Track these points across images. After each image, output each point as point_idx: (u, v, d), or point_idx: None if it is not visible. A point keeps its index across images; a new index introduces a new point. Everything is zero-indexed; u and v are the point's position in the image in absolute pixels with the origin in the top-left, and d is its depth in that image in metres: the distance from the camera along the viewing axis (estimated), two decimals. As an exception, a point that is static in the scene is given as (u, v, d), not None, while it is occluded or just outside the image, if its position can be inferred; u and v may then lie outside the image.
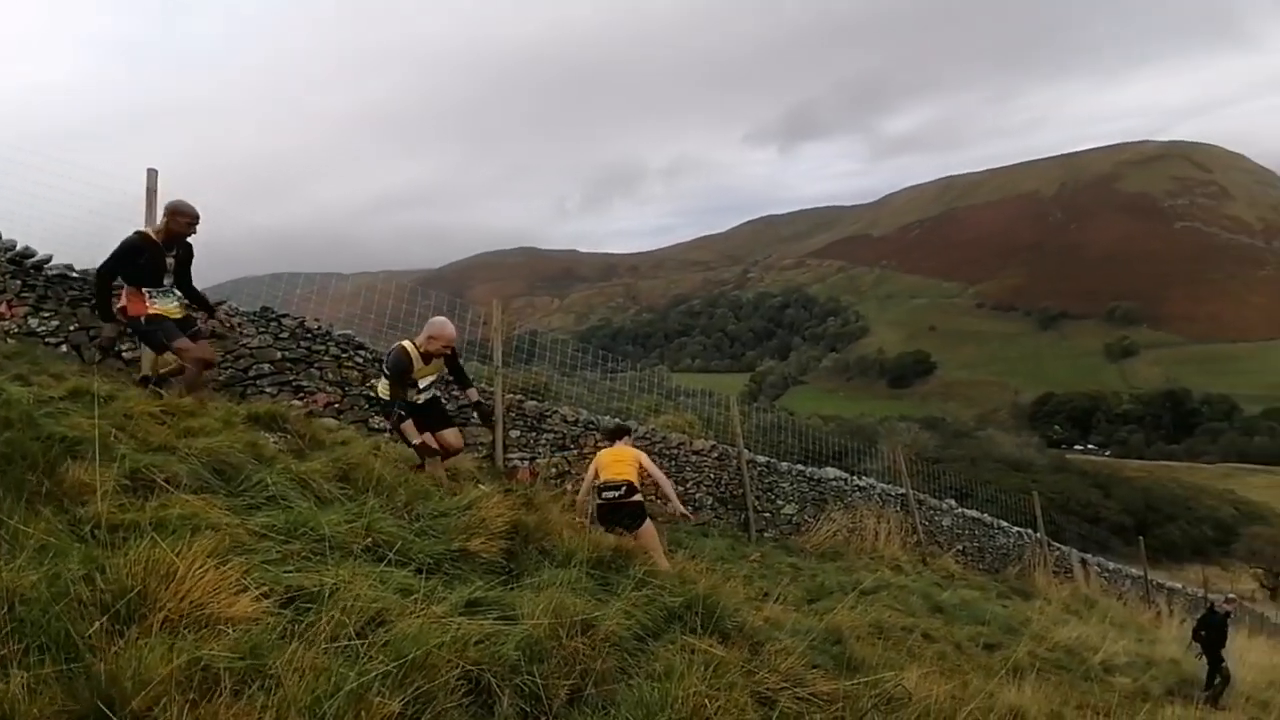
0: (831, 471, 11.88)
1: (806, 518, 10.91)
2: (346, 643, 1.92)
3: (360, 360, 7.33)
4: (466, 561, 2.85)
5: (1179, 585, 20.04)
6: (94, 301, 5.22)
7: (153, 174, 5.91)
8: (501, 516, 3.42)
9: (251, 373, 6.74)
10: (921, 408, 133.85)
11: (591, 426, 9.15)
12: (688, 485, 9.58)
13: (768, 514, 10.56)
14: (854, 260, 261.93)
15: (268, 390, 6.59)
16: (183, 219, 4.73)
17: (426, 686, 1.59)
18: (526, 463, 8.32)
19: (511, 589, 2.76)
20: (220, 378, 6.41)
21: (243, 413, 3.98)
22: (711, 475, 9.86)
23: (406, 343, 4.95)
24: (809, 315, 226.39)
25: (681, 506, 6.08)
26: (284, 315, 7.06)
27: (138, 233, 4.76)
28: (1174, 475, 67.03)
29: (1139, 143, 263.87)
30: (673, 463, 9.45)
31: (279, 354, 6.89)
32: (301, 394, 6.88)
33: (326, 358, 7.19)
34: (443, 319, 5.03)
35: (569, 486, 8.60)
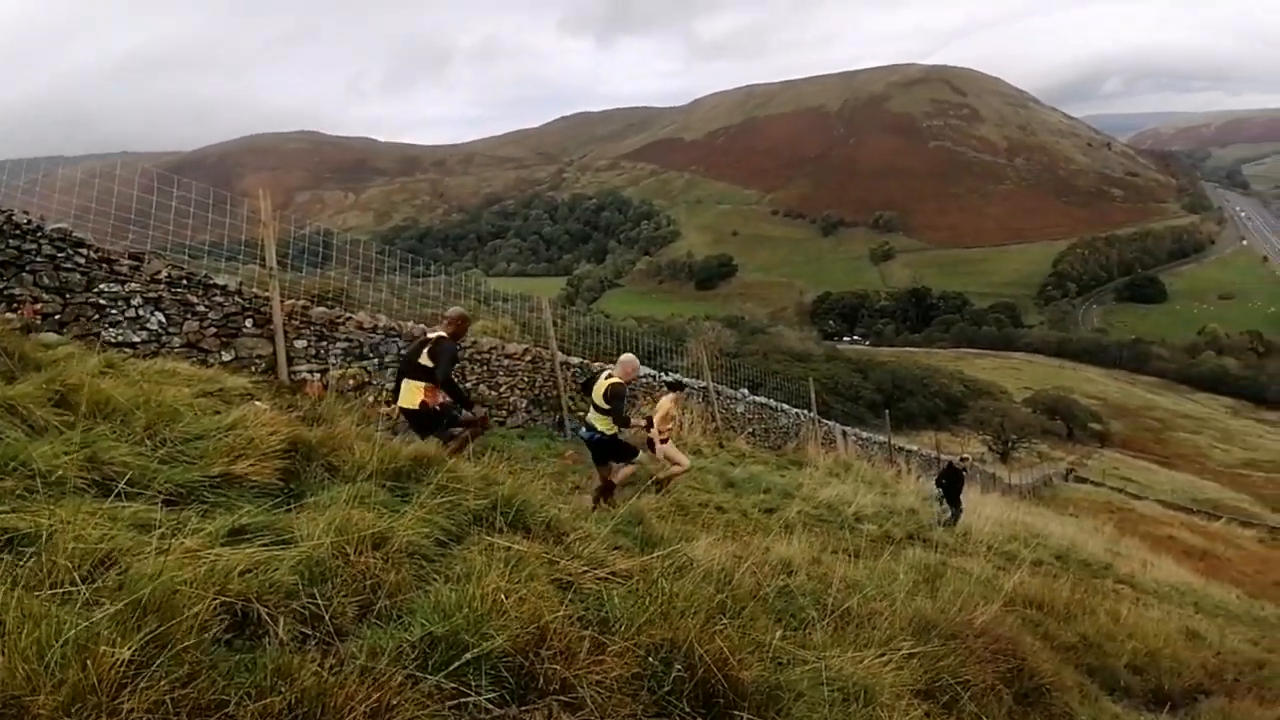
0: (642, 370, 12.48)
1: (618, 413, 11.44)
2: (70, 588, 1.62)
3: (82, 261, 5.96)
4: (231, 488, 2.52)
5: (915, 448, 24.62)
6: None
7: None
8: (276, 434, 3.07)
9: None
10: (724, 307, 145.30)
11: (393, 333, 8.54)
12: (501, 390, 9.47)
13: (582, 412, 10.90)
14: (666, 164, 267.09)
15: (-51, 300, 5.14)
16: None
17: (162, 629, 1.39)
18: (317, 375, 7.59)
19: (289, 512, 2.52)
20: None
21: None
22: (525, 379, 9.84)
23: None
24: (624, 218, 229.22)
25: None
26: (-36, 204, 5.44)
27: None
28: (915, 359, 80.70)
29: (906, 65, 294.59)
30: (485, 368, 9.24)
31: (-35, 254, 5.35)
32: (14, 304, 5.49)
33: (39, 258, 5.74)
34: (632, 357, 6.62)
35: (370, 398, 8.06)
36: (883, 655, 2.96)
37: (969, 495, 12.88)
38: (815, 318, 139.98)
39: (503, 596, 1.90)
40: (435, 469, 3.20)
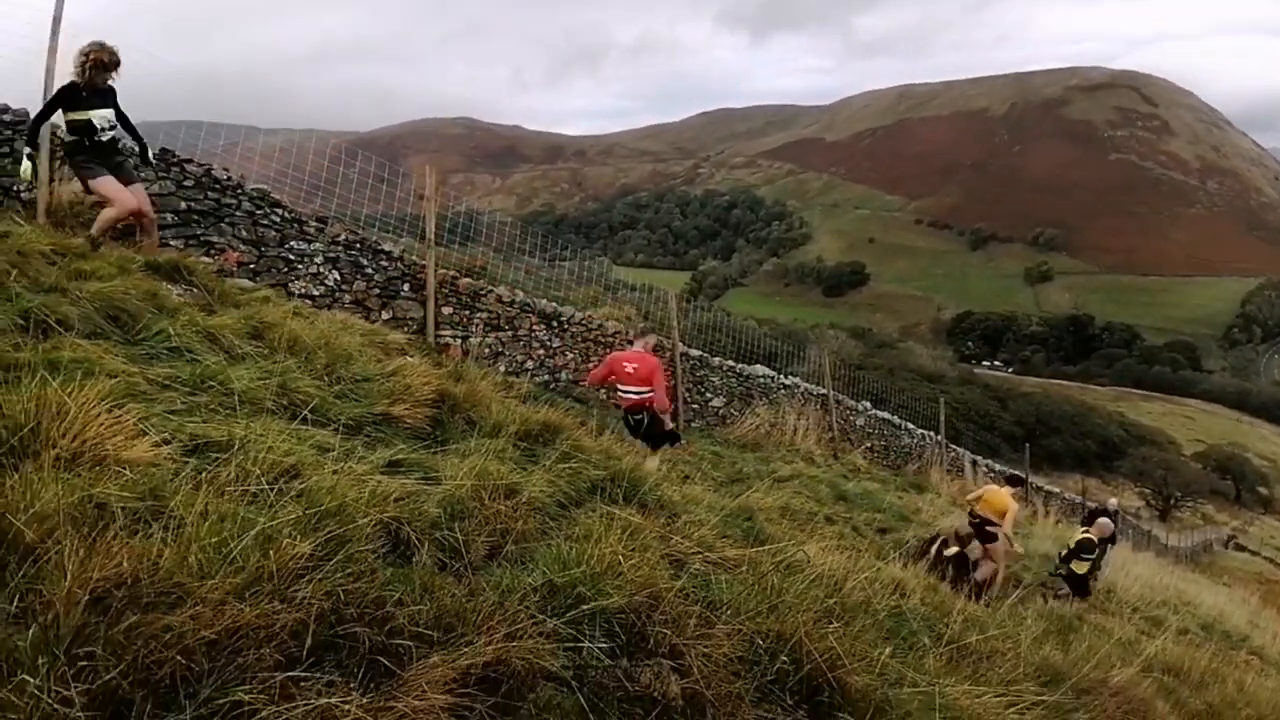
0: (760, 369, 12.30)
1: (733, 411, 11.38)
2: (255, 490, 1.88)
3: (277, 219, 6.82)
4: (390, 426, 2.81)
5: (1057, 490, 22.41)
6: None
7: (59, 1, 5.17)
8: (428, 385, 3.37)
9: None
10: (852, 317, 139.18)
11: (527, 309, 9.02)
12: (621, 373, 9.73)
13: (696, 405, 10.95)
14: (804, 164, 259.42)
15: (172, 244, 6.07)
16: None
17: (339, 531, 1.58)
18: (458, 341, 8.19)
19: (435, 454, 2.76)
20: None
21: (140, 260, 3.65)
22: (645, 365, 10.03)
23: None
24: (755, 218, 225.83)
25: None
26: (187, 160, 6.40)
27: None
28: (1066, 394, 73.24)
29: (1091, 68, 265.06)
30: (609, 351, 9.52)
31: (183, 204, 6.30)
32: (212, 250, 6.39)
33: (239, 213, 6.64)
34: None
35: (502, 367, 8.57)
36: (1003, 695, 2.77)
37: (1117, 549, 11.46)
38: (952, 337, 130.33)
39: (620, 559, 1.98)
40: (562, 437, 3.37)
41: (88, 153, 4.79)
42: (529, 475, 2.75)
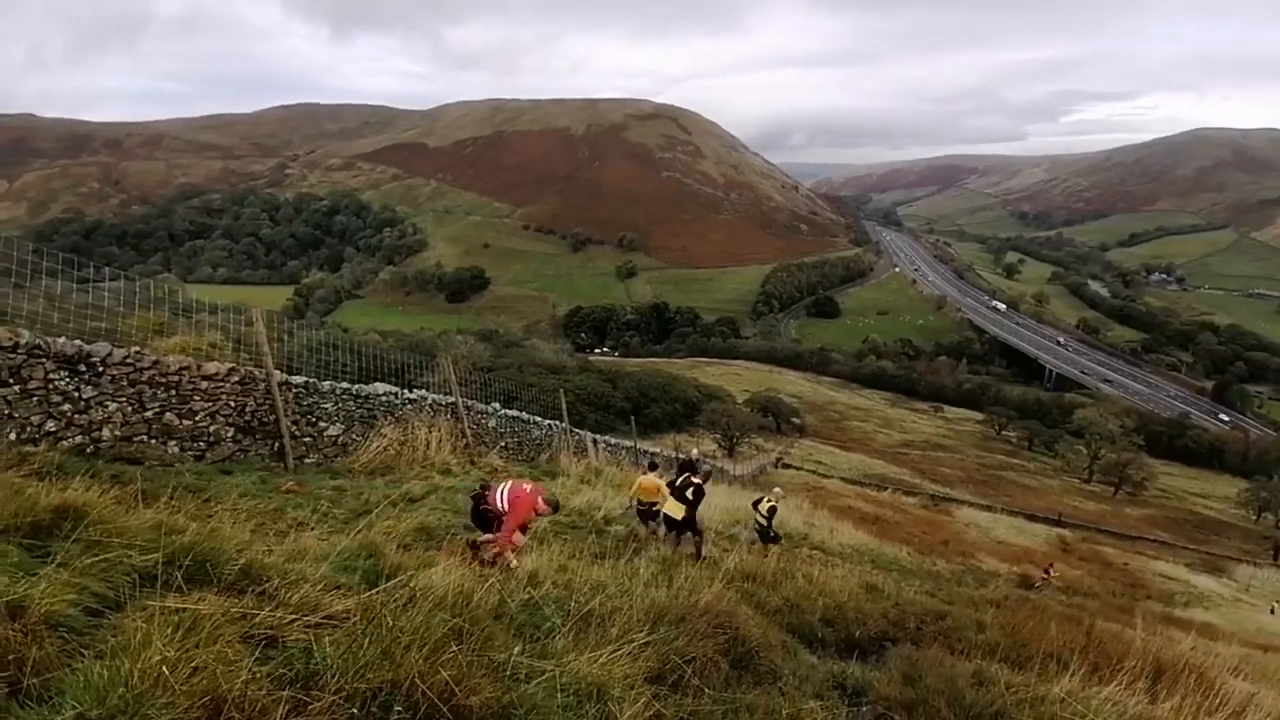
0: (381, 387, 11.54)
1: (354, 437, 10.42)
2: None
3: None
4: None
5: (659, 450, 26.68)
6: None
7: None
8: None
9: None
10: (478, 321, 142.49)
11: (39, 353, 6.66)
12: (198, 418, 7.97)
13: (309, 438, 9.69)
14: (409, 169, 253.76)
15: None
16: None
17: None
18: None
19: None
20: None
21: None
22: (232, 403, 8.41)
23: None
24: (363, 224, 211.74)
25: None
26: None
27: None
28: (657, 368, 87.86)
29: (640, 100, 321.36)
30: (174, 393, 7.69)
31: None
32: None
33: None
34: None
35: (12, 434, 6.20)
36: (618, 650, 3.11)
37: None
38: (568, 330, 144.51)
39: (165, 670, 1.57)
40: (84, 521, 2.55)
41: None
42: (36, 583, 2.03)
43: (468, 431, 12.92)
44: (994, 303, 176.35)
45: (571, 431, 17.61)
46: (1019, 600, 11.72)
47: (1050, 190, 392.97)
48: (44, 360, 6.70)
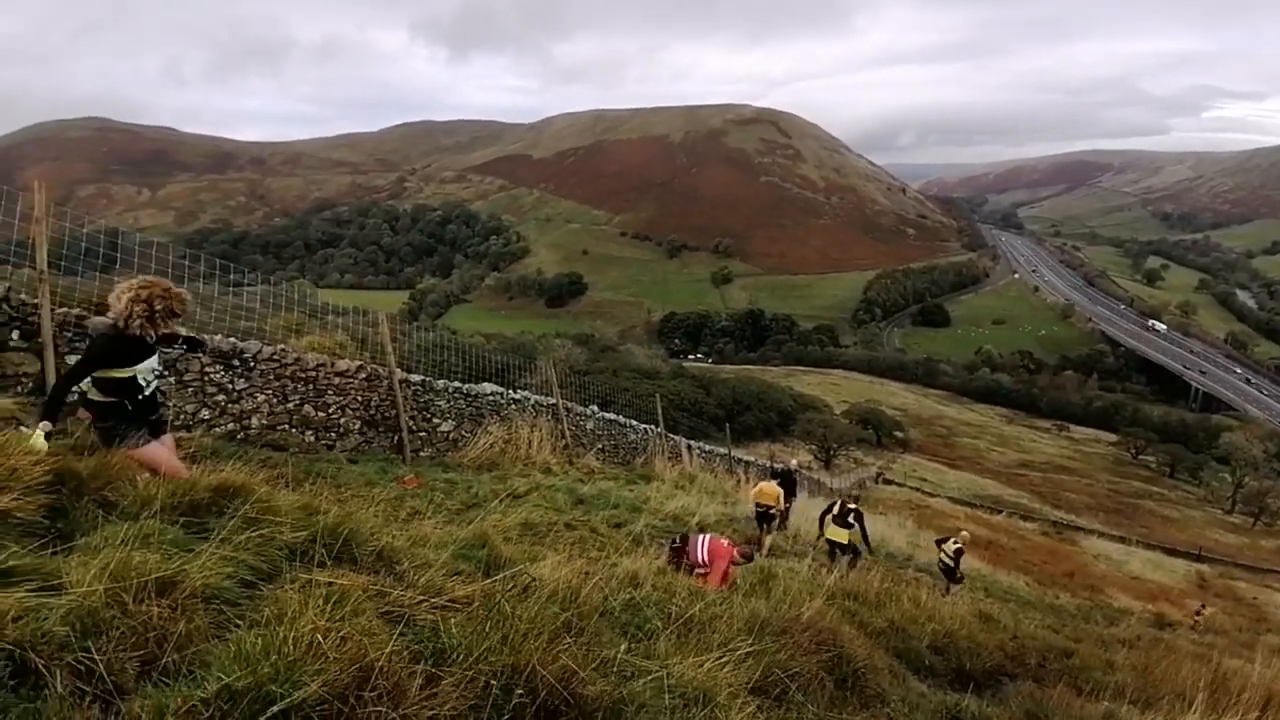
0: (488, 387, 12.11)
1: (464, 433, 11.00)
2: None
3: None
4: (-10, 524, 2.08)
5: (753, 459, 26.28)
6: None
7: None
8: (40, 465, 2.58)
9: None
10: (574, 325, 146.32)
11: (199, 346, 7.52)
12: (330, 410, 8.71)
13: (424, 433, 10.33)
14: (515, 180, 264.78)
15: None
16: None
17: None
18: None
19: (55, 553, 2.12)
20: None
21: None
22: (359, 398, 9.13)
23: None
24: (471, 232, 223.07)
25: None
26: None
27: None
28: (751, 376, 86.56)
29: (740, 105, 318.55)
30: (311, 387, 8.44)
31: None
32: None
33: None
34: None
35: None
36: (721, 658, 3.09)
37: (798, 499, 14.03)
38: (662, 336, 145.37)
39: (320, 638, 1.72)
40: (242, 500, 2.85)
41: (126, 418, 3.58)
42: (194, 558, 2.26)
43: (567, 432, 13.28)
44: (1152, 322, 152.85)
45: (666, 436, 17.69)
46: (1152, 640, 10.62)
47: (1196, 189, 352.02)
48: (199, 355, 7.53)
